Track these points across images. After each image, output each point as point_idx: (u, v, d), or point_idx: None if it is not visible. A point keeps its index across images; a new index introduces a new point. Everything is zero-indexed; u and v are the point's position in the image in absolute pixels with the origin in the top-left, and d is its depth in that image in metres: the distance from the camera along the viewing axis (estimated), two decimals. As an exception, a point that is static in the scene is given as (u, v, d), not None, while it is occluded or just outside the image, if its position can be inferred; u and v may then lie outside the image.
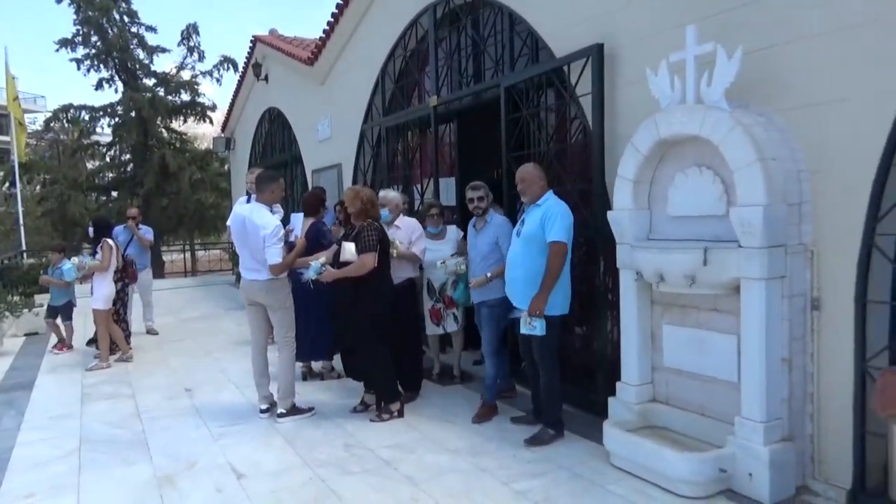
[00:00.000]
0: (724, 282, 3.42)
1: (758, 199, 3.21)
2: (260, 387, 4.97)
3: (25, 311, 8.44)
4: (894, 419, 2.90)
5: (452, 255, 5.26)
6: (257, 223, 4.57)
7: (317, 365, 6.03)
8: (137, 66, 21.29)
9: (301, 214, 5.90)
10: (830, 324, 3.28)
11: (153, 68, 21.63)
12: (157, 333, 8.45)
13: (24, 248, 14.01)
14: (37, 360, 7.18)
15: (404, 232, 5.27)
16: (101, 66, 20.89)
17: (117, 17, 20.66)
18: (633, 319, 4.02)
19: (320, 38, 9.02)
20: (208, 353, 7.23)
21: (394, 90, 7.73)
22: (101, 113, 21.15)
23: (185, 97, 21.82)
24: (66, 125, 22.73)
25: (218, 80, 26.38)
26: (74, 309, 7.66)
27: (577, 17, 4.69)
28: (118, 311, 6.97)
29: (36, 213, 21.60)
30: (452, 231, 5.63)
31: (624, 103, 4.36)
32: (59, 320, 7.56)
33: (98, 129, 22.22)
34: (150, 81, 21.48)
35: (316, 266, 4.66)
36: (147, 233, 8.30)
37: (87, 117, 21.16)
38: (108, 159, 22.63)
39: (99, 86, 21.06)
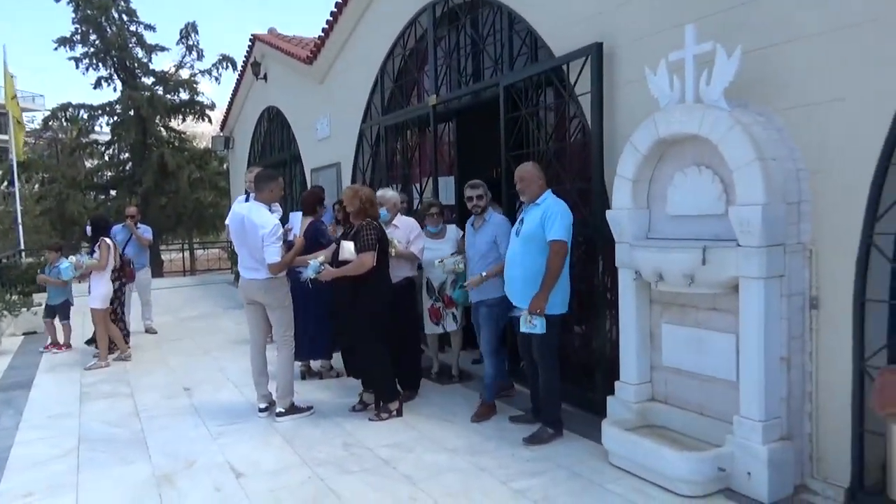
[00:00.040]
0: (722, 281, 3.42)
1: (757, 199, 3.22)
2: (259, 386, 4.97)
3: (24, 310, 8.44)
4: (893, 418, 2.89)
5: (451, 255, 5.26)
6: (256, 222, 4.57)
7: (315, 364, 6.03)
8: (136, 64, 21.24)
9: (300, 213, 5.89)
10: (829, 323, 3.28)
11: (152, 67, 21.60)
12: (155, 332, 8.45)
13: (22, 246, 14.02)
14: (35, 359, 7.18)
15: (402, 231, 5.27)
16: (100, 64, 20.84)
17: (116, 15, 20.59)
18: (631, 318, 4.02)
19: (319, 36, 9.01)
20: (207, 352, 7.23)
21: (393, 89, 7.73)
22: (100, 112, 21.08)
23: (184, 96, 21.76)
24: (65, 124, 22.63)
25: (217, 79, 26.48)
26: (72, 308, 7.66)
27: (577, 16, 4.69)
28: (116, 310, 6.97)
29: (34, 212, 21.56)
30: (452, 230, 5.63)
31: (623, 102, 4.36)
32: (56, 320, 7.56)
33: (97, 128, 22.13)
34: (148, 80, 21.42)
35: (314, 265, 4.66)
36: (146, 232, 8.30)
37: (85, 116, 21.09)
38: (106, 158, 22.57)
39: (97, 84, 21.02)
